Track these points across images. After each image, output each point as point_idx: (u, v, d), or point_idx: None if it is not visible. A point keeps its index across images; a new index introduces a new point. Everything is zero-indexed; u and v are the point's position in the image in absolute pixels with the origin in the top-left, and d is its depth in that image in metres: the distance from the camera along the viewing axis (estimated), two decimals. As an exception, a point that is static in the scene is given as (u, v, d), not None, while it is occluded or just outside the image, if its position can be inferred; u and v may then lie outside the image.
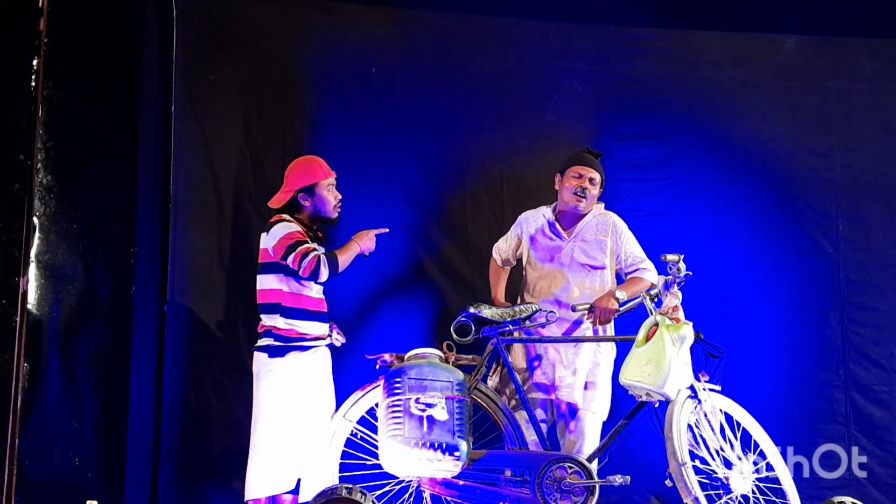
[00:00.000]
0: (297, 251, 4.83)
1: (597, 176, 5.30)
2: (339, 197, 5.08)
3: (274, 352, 4.89)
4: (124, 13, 5.62)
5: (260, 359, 4.93)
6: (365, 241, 5.01)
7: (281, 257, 4.87)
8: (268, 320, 4.94)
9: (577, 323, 5.21)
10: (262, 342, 4.94)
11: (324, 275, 4.85)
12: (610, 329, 5.24)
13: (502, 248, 5.49)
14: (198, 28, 5.70)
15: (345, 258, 4.94)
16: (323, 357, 5.00)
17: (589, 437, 5.14)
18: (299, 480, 4.84)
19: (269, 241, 4.92)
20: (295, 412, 4.84)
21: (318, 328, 4.96)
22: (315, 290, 4.98)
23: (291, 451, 4.81)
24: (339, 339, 5.08)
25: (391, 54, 5.97)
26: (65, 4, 5.47)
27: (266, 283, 4.95)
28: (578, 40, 6.16)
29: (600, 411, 5.21)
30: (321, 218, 5.04)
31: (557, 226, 5.34)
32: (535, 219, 5.41)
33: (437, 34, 6.06)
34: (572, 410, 5.15)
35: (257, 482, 4.83)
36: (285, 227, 4.90)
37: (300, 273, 4.84)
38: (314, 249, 4.87)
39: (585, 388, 5.18)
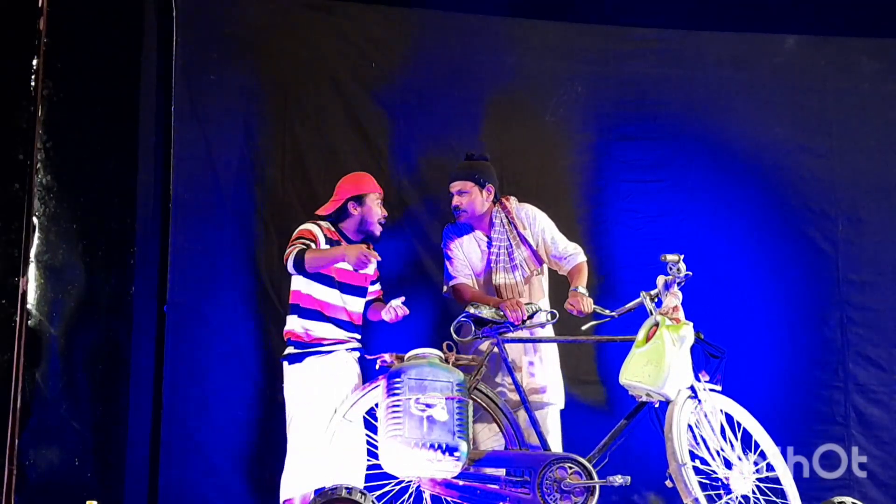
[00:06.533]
0: (292, 241, 4.96)
1: (466, 184, 5.28)
2: (385, 214, 5.16)
3: (293, 359, 4.97)
4: (124, 13, 5.62)
5: (284, 367, 5.00)
6: (351, 252, 4.91)
7: None
8: (289, 323, 5.02)
9: (541, 324, 5.18)
10: (285, 351, 5.02)
11: (288, 265, 4.91)
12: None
13: (463, 270, 5.34)
14: (198, 28, 5.69)
15: (316, 257, 4.88)
16: (344, 361, 5.01)
17: (556, 432, 5.21)
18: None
19: None
20: (318, 416, 4.84)
21: (335, 332, 4.99)
22: (336, 296, 5.00)
23: (317, 455, 4.77)
24: (402, 309, 5.03)
25: (391, 54, 5.97)
26: (65, 4, 5.46)
27: (293, 283, 5.03)
28: (578, 40, 6.16)
29: (560, 402, 5.27)
30: (366, 230, 5.12)
31: (479, 233, 5.36)
32: (461, 237, 5.36)
33: (437, 34, 6.05)
34: (539, 407, 5.18)
35: (289, 484, 4.87)
36: (304, 225, 5.04)
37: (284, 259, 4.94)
38: (304, 244, 4.92)
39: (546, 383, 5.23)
